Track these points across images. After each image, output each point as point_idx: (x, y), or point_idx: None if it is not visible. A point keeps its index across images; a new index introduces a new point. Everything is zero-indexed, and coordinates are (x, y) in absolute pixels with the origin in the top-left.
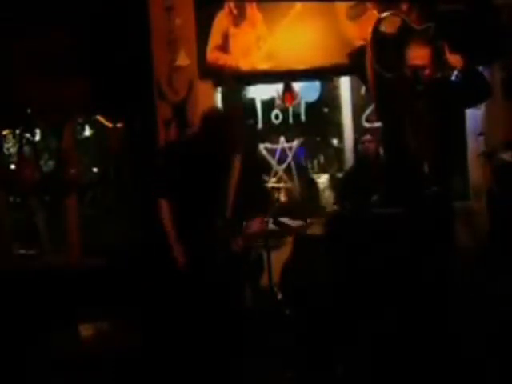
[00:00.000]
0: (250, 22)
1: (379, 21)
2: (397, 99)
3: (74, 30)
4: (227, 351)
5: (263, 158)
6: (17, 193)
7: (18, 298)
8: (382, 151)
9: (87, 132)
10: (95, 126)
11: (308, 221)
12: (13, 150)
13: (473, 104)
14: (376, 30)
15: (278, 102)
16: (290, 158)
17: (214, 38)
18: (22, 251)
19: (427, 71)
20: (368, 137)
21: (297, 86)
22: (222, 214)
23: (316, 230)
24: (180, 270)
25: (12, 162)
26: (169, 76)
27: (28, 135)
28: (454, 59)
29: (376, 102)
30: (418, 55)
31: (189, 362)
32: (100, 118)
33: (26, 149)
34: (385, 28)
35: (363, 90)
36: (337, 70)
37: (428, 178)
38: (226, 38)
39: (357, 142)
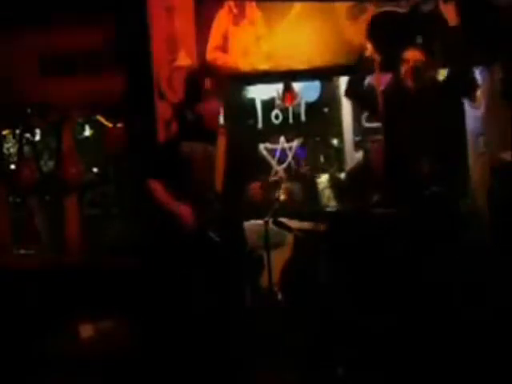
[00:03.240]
0: (249, 21)
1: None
2: (397, 100)
3: (74, 30)
4: (227, 351)
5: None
6: (17, 193)
7: (18, 298)
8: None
9: (87, 132)
10: (95, 126)
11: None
12: (13, 150)
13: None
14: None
15: (277, 101)
16: (289, 158)
17: (214, 38)
18: (22, 251)
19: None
20: (378, 136)
21: (297, 85)
22: (212, 188)
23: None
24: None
25: (12, 162)
26: (169, 76)
27: (28, 135)
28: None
29: (379, 105)
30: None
31: (188, 361)
32: (100, 118)
33: (26, 149)
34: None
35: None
36: (337, 70)
37: (428, 178)
38: (225, 37)
39: (363, 140)
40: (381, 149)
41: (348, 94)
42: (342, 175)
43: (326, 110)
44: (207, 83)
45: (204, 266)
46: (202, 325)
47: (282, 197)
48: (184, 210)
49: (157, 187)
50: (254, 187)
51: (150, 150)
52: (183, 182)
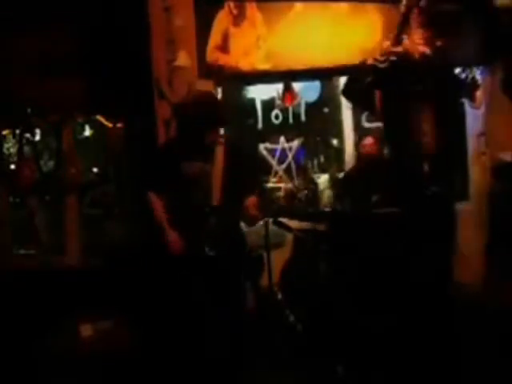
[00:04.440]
0: (249, 21)
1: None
2: (399, 99)
3: (74, 30)
4: (227, 351)
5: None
6: (17, 193)
7: (18, 298)
8: (385, 152)
9: (87, 132)
10: (95, 126)
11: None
12: (13, 150)
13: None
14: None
15: (278, 102)
16: (289, 158)
17: (214, 38)
18: (22, 251)
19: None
20: (369, 140)
21: (297, 85)
22: (208, 202)
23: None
24: (176, 258)
25: (12, 162)
26: (169, 76)
27: (28, 135)
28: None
29: (380, 104)
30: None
31: (187, 362)
32: (100, 118)
33: (26, 149)
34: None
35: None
36: (337, 70)
37: (428, 178)
38: (225, 37)
39: (358, 144)
40: (375, 149)
41: (345, 93)
42: (341, 175)
43: (325, 110)
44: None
45: (201, 277)
46: (201, 325)
47: (282, 197)
48: (173, 239)
49: (155, 202)
50: (250, 203)
51: (149, 155)
52: (181, 193)
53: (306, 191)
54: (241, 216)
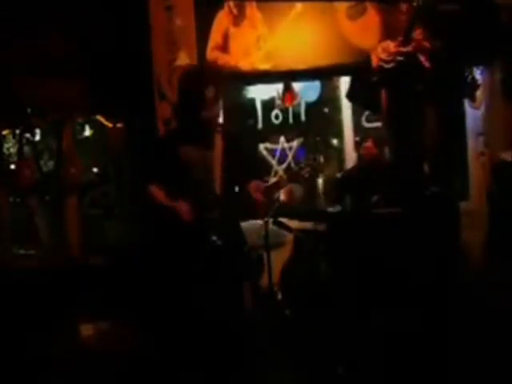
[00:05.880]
0: (250, 21)
1: None
2: (405, 99)
3: (74, 30)
4: (227, 351)
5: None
6: (17, 193)
7: (18, 298)
8: (387, 152)
9: (87, 132)
10: (95, 126)
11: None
12: (13, 150)
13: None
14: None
15: (278, 101)
16: (289, 158)
17: (214, 38)
18: (22, 251)
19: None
20: (369, 140)
21: (297, 85)
22: (210, 191)
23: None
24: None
25: (12, 162)
26: (169, 76)
27: (28, 135)
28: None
29: (386, 104)
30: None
31: (187, 361)
32: (100, 118)
33: (26, 149)
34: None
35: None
36: (337, 70)
37: (428, 179)
38: (226, 37)
39: (358, 145)
40: (375, 149)
41: (350, 95)
42: (341, 175)
43: (326, 110)
44: (206, 86)
45: (207, 269)
46: (202, 324)
47: (282, 197)
48: (183, 206)
49: (157, 192)
50: (253, 187)
51: (149, 150)
52: (183, 185)
53: (308, 168)
54: (244, 204)
